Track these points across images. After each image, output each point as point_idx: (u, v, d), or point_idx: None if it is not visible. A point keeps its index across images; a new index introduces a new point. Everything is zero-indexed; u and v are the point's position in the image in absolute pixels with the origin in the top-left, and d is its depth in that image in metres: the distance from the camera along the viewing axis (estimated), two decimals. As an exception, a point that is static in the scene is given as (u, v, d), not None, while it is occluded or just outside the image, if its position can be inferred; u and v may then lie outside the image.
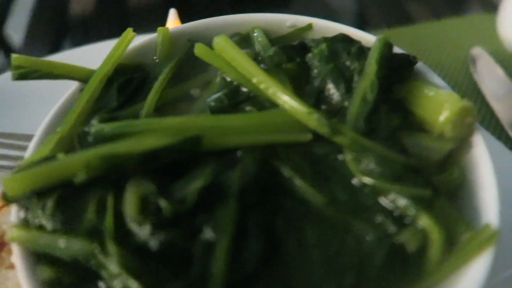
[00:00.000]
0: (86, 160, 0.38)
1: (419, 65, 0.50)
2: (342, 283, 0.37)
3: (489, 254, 0.36)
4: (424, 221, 0.37)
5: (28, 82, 0.50)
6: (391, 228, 0.38)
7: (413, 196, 0.38)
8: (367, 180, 0.40)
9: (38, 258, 0.37)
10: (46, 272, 0.36)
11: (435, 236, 0.37)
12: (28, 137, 0.54)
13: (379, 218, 0.39)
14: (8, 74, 0.77)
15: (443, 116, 0.41)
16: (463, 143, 0.43)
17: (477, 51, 0.94)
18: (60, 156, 0.38)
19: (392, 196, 0.39)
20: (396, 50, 0.49)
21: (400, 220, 0.39)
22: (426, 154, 0.42)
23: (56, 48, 1.06)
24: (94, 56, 0.55)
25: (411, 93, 0.45)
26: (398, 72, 0.47)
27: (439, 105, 0.42)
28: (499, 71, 0.90)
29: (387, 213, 0.39)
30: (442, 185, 0.40)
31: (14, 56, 0.48)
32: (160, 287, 0.35)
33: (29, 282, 0.36)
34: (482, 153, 0.42)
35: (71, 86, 0.52)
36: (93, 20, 1.15)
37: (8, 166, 0.60)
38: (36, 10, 1.17)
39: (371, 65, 0.45)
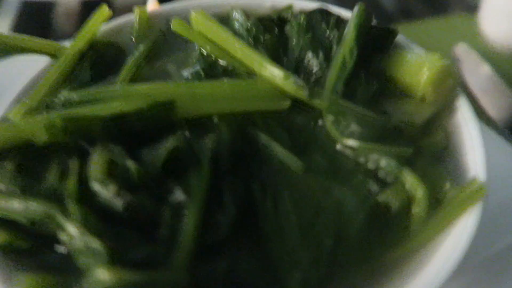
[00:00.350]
0: (49, 121, 0.36)
1: (400, 37, 0.49)
2: (320, 248, 0.34)
3: (476, 209, 0.34)
4: (407, 179, 0.35)
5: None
6: (373, 188, 0.36)
7: (395, 155, 0.36)
8: (348, 142, 0.38)
9: (-7, 223, 0.34)
10: (1, 236, 0.33)
11: (419, 193, 0.35)
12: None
13: (360, 180, 0.37)
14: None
15: (423, 77, 0.40)
16: (445, 107, 0.42)
17: (462, 48, 0.94)
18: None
19: (373, 156, 0.37)
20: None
21: (382, 181, 0.37)
22: (407, 119, 0.41)
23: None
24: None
25: (391, 60, 0.44)
26: (378, 42, 0.46)
27: (419, 67, 0.41)
28: (485, 67, 0.90)
29: (369, 174, 0.37)
30: (426, 148, 0.39)
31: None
32: (124, 250, 0.32)
33: (-17, 248, 0.33)
34: (466, 116, 0.41)
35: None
36: (78, 28, 1.14)
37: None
38: (19, 18, 1.17)
39: (350, 31, 0.44)
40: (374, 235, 0.35)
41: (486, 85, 0.88)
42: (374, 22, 0.48)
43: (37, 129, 0.35)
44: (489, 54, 0.94)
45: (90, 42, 0.50)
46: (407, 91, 0.42)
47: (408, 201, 0.35)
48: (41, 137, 0.35)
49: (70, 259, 0.33)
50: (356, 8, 0.46)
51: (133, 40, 0.54)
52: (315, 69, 0.45)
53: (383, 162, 0.37)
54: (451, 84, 0.41)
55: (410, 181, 0.35)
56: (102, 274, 0.30)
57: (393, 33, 0.48)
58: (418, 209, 0.35)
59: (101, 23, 0.51)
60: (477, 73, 0.90)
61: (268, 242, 0.35)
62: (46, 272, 0.32)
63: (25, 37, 0.48)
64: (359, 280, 0.34)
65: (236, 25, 0.52)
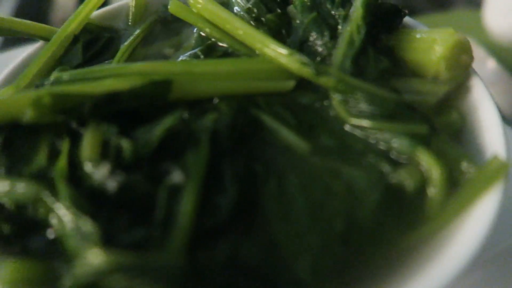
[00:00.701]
0: (37, 97, 0.33)
1: (408, 19, 0.47)
2: (330, 232, 0.32)
3: (498, 189, 0.31)
4: (422, 159, 0.33)
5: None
6: (386, 169, 0.34)
7: (408, 134, 0.34)
8: (357, 121, 0.36)
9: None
10: (-18, 220, 0.31)
11: (436, 174, 0.32)
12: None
13: (372, 161, 0.34)
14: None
15: (436, 53, 0.38)
16: (460, 86, 0.39)
17: (466, 42, 0.92)
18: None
19: (385, 135, 0.35)
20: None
21: (395, 161, 0.34)
22: (420, 99, 0.38)
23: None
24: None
25: (401, 38, 0.42)
26: (386, 21, 0.44)
27: (431, 42, 0.38)
28: (490, 61, 0.88)
29: (381, 154, 0.35)
30: (441, 128, 0.36)
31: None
32: (117, 232, 0.29)
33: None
34: (482, 96, 0.38)
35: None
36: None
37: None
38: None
39: (357, 9, 0.42)
40: (388, 218, 0.32)
41: (492, 79, 0.86)
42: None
43: (24, 106, 0.33)
44: (494, 48, 0.92)
45: (83, 24, 0.48)
46: (419, 69, 0.40)
47: (424, 182, 0.33)
48: (28, 113, 0.33)
49: (57, 244, 0.30)
50: (363, -15, 0.43)
51: (130, 24, 0.52)
52: (320, 49, 0.42)
53: (396, 141, 0.34)
54: (466, 60, 0.38)
55: (425, 160, 0.33)
56: (94, 256, 0.27)
57: (401, 12, 0.46)
58: (434, 191, 0.32)
59: (95, 6, 0.49)
60: (483, 68, 0.88)
61: (273, 226, 0.32)
62: (31, 258, 0.30)
63: (17, 19, 0.46)
64: (374, 267, 0.31)
65: (236, 6, 0.50)
